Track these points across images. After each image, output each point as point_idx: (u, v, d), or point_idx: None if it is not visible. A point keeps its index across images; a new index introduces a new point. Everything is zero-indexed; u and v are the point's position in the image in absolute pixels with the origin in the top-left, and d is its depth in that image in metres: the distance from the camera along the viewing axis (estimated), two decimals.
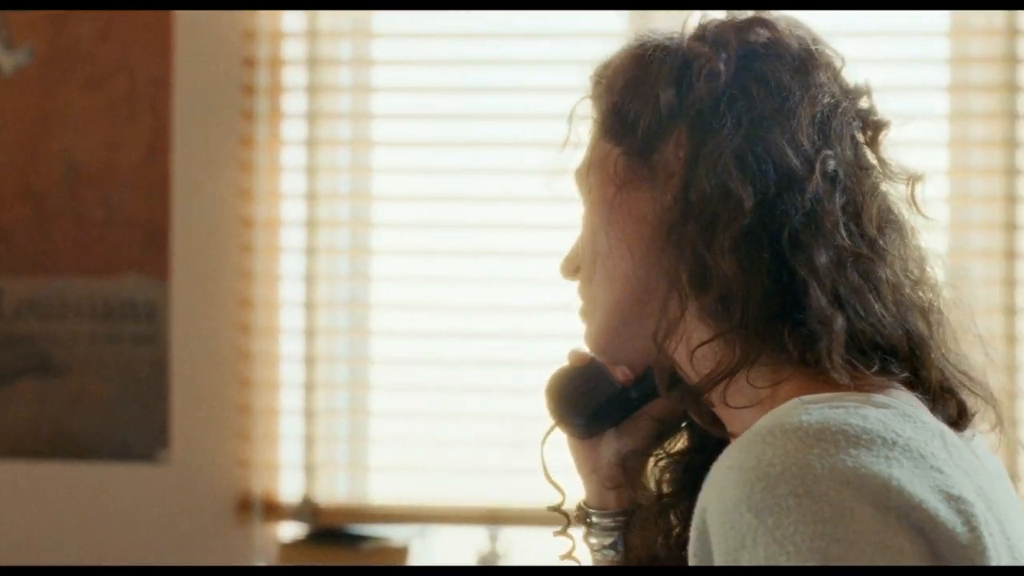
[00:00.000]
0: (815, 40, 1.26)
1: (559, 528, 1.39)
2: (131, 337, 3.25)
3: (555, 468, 1.38)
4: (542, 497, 3.52)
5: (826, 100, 1.23)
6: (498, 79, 3.26)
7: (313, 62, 3.27)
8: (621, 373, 1.32)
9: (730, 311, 1.18)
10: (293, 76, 3.29)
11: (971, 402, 1.21)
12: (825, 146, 1.21)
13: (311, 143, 3.28)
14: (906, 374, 1.18)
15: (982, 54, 3.19)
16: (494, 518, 3.21)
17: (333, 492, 3.29)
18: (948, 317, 1.22)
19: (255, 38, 3.25)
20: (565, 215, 3.26)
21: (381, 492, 3.29)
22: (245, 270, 3.25)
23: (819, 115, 1.22)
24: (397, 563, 3.15)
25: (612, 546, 1.37)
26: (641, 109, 1.25)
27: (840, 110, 1.23)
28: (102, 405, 3.25)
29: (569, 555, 1.40)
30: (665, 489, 1.33)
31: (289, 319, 3.29)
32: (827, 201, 1.19)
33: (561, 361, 1.34)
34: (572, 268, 1.32)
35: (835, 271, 1.17)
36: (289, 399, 3.28)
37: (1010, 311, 3.14)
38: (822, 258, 1.17)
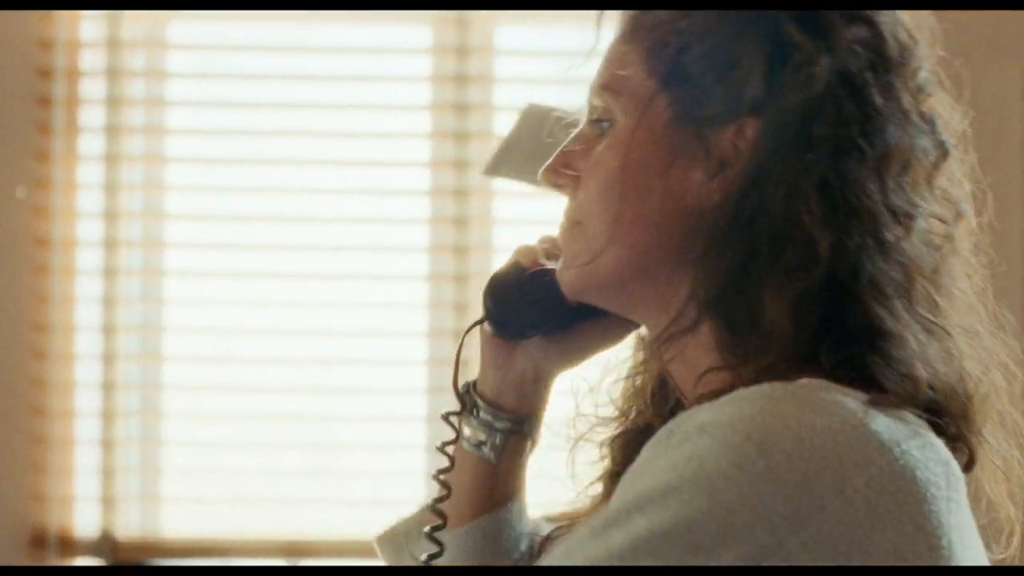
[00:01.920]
0: (909, 52, 1.13)
1: (449, 412, 1.30)
2: None
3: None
4: (342, 528, 3.42)
5: (912, 131, 1.11)
6: (300, 95, 3.21)
7: (113, 73, 3.17)
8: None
9: (760, 354, 1.06)
10: (91, 88, 3.19)
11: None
12: (913, 192, 1.10)
13: (109, 158, 3.17)
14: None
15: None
16: (293, 550, 3.15)
17: (132, 525, 3.20)
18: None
19: (51, 47, 3.14)
20: (366, 236, 3.25)
21: (178, 525, 3.20)
22: (41, 293, 3.14)
23: (908, 149, 1.11)
24: None
25: (484, 445, 1.28)
26: (715, 76, 1.11)
27: (922, 145, 1.12)
28: None
29: (444, 447, 1.31)
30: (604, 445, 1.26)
31: (86, 344, 3.19)
32: (910, 257, 1.08)
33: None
34: (557, 178, 1.20)
35: (911, 325, 1.08)
36: (86, 428, 3.18)
37: None
38: (899, 315, 1.07)
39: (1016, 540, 1.13)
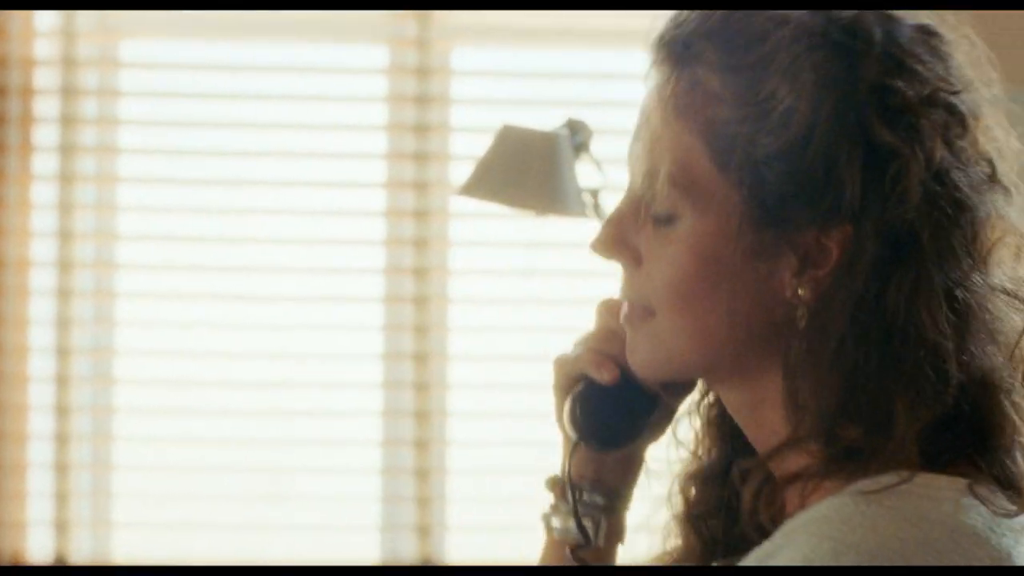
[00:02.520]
0: (977, 109, 1.11)
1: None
2: None
3: None
4: (296, 553, 3.38)
5: (988, 194, 1.10)
6: (256, 114, 3.19)
7: (67, 92, 3.14)
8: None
9: (872, 457, 1.06)
10: (46, 106, 3.16)
11: None
12: (1017, 263, 1.11)
13: (63, 178, 3.15)
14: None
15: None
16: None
17: (85, 550, 3.16)
18: None
19: (5, 65, 3.12)
20: (322, 257, 3.23)
21: (131, 549, 3.16)
22: None
23: (994, 222, 1.10)
24: None
25: (588, 530, 1.26)
26: (800, 184, 1.07)
27: (997, 204, 1.11)
28: None
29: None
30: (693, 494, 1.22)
31: (39, 366, 3.15)
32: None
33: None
34: (613, 253, 1.15)
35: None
36: (39, 452, 3.14)
37: None
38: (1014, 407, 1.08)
39: None
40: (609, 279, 1.21)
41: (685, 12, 1.11)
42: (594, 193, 2.71)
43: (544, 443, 3.46)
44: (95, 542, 3.16)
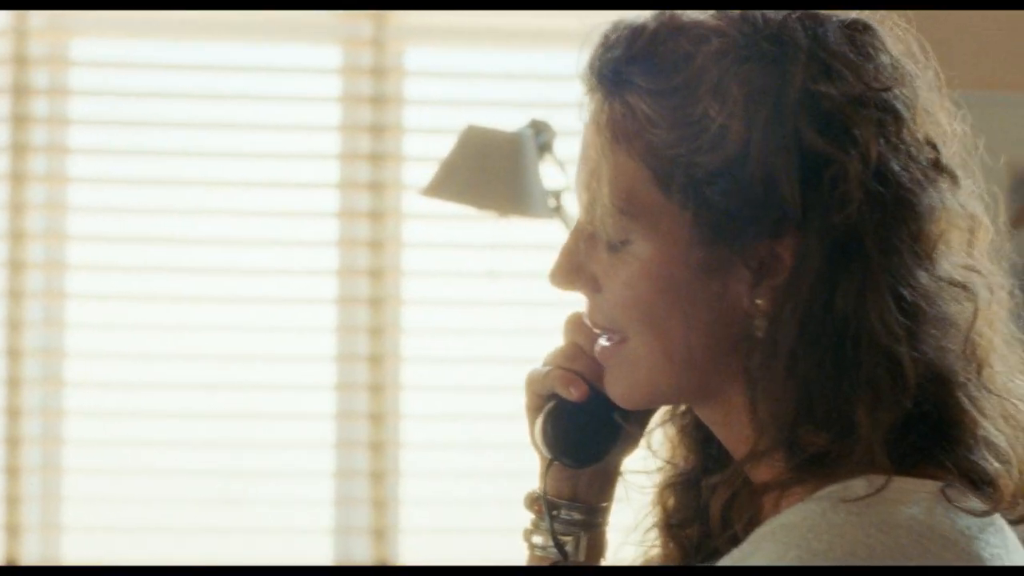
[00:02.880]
0: (914, 98, 1.11)
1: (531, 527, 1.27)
2: None
3: None
4: (248, 556, 3.36)
5: (930, 184, 1.10)
6: (208, 114, 3.17)
7: (18, 91, 3.11)
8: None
9: (839, 463, 1.06)
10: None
11: None
12: (967, 254, 1.10)
13: (14, 177, 3.12)
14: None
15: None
16: None
17: (36, 554, 3.13)
18: None
19: None
20: (275, 258, 3.20)
21: (82, 553, 3.14)
22: None
23: (941, 216, 1.09)
24: None
25: (568, 545, 1.24)
26: (743, 200, 1.07)
27: (945, 200, 1.11)
28: None
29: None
30: (671, 503, 1.22)
31: None
32: (974, 331, 1.09)
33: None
34: (572, 284, 1.15)
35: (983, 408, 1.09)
36: None
37: None
38: (973, 401, 1.08)
39: None
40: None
41: (613, 37, 1.12)
42: (557, 194, 2.70)
43: (500, 445, 3.47)
44: (45, 546, 3.13)
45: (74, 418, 3.15)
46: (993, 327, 1.11)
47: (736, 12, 1.10)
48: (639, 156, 1.09)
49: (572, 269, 1.14)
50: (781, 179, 1.06)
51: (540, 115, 2.74)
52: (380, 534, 3.11)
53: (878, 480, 1.03)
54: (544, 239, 2.68)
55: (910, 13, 1.15)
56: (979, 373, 1.09)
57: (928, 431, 1.07)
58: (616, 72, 1.10)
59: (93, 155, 3.18)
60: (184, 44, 3.17)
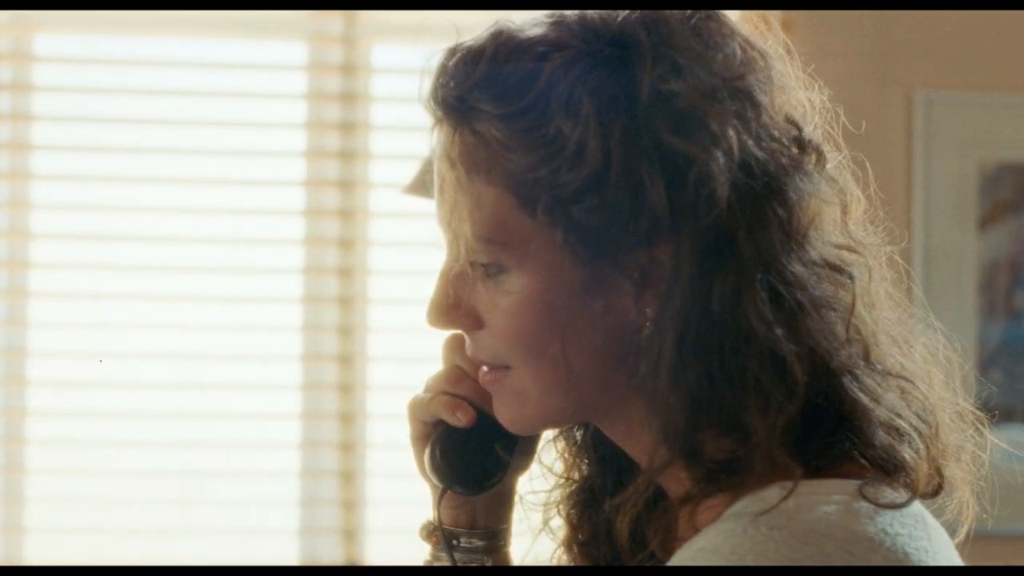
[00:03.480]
0: (768, 81, 1.09)
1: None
2: None
3: None
4: (212, 557, 3.33)
5: (797, 171, 1.08)
6: (173, 111, 3.14)
7: None
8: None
9: (743, 472, 1.03)
10: None
11: None
12: (841, 235, 1.09)
13: None
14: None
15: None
16: None
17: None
18: None
19: None
20: (241, 256, 3.18)
21: (44, 555, 3.11)
22: None
23: (810, 201, 1.07)
24: None
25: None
26: (610, 215, 1.04)
27: (814, 186, 1.09)
28: None
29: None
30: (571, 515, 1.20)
31: None
32: (855, 316, 1.07)
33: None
34: (452, 323, 1.12)
35: (876, 391, 1.08)
36: None
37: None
38: (865, 388, 1.07)
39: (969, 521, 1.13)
40: None
41: (451, 64, 1.09)
42: None
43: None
44: (7, 547, 3.11)
45: (37, 418, 3.13)
46: (876, 303, 1.09)
47: (574, 17, 1.08)
48: (500, 184, 1.06)
49: (450, 308, 1.11)
50: (646, 187, 1.03)
51: None
52: (349, 535, 3.09)
53: (789, 486, 1.01)
54: None
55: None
56: (867, 356, 1.06)
57: (831, 426, 1.04)
58: (460, 100, 1.08)
59: (56, 152, 3.16)
60: (149, 40, 3.14)
